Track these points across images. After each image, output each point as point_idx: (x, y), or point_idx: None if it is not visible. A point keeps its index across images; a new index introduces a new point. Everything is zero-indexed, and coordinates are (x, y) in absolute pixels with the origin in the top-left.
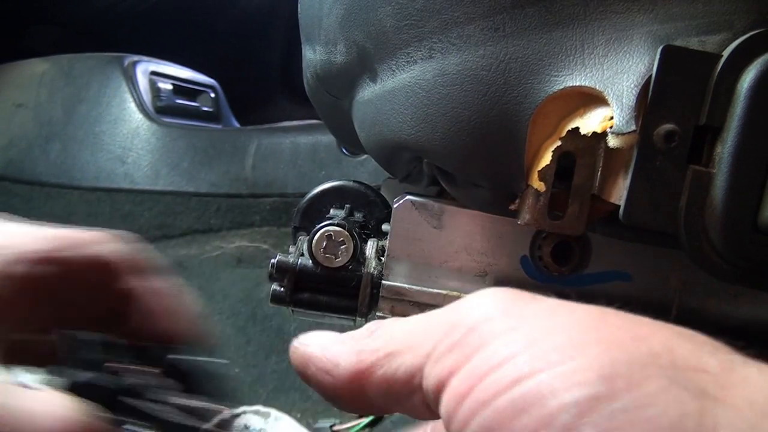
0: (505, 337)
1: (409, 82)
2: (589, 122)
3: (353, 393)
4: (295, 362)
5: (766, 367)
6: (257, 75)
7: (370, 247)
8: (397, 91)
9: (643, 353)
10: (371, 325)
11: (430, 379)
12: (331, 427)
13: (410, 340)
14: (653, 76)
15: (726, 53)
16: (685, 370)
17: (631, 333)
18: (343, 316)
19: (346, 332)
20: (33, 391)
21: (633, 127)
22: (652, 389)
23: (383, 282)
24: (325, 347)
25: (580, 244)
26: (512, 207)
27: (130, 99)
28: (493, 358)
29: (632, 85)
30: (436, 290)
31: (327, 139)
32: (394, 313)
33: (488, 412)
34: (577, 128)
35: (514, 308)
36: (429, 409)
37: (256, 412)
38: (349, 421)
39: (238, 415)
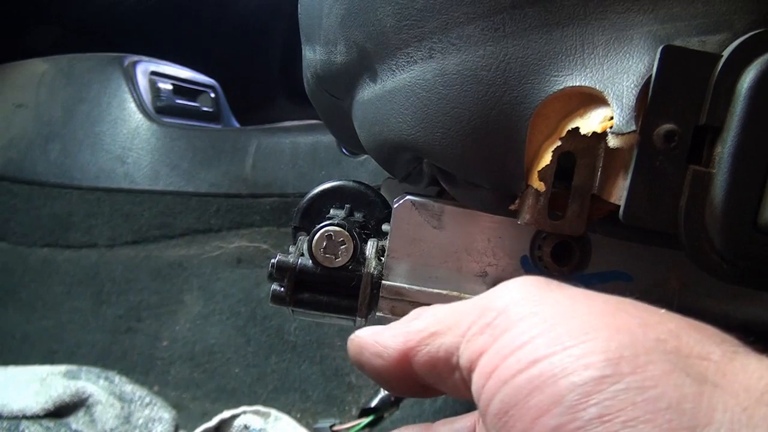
0: (529, 321)
1: (409, 82)
2: (589, 122)
3: (403, 372)
4: (351, 352)
5: (767, 357)
6: (257, 75)
7: (370, 247)
8: (397, 91)
9: (649, 339)
10: (418, 310)
11: (464, 357)
12: (331, 427)
13: (450, 321)
14: (653, 76)
15: (726, 53)
16: (689, 357)
17: (641, 320)
18: (343, 316)
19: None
20: None
21: (633, 127)
22: (655, 373)
23: (383, 282)
24: (377, 334)
25: (580, 244)
26: (512, 207)
27: (130, 99)
28: (516, 340)
29: (632, 85)
30: (436, 290)
31: (327, 139)
32: (394, 313)
33: (508, 389)
34: (577, 128)
35: (539, 294)
36: (467, 387)
37: (256, 412)
38: (349, 421)
39: (238, 415)
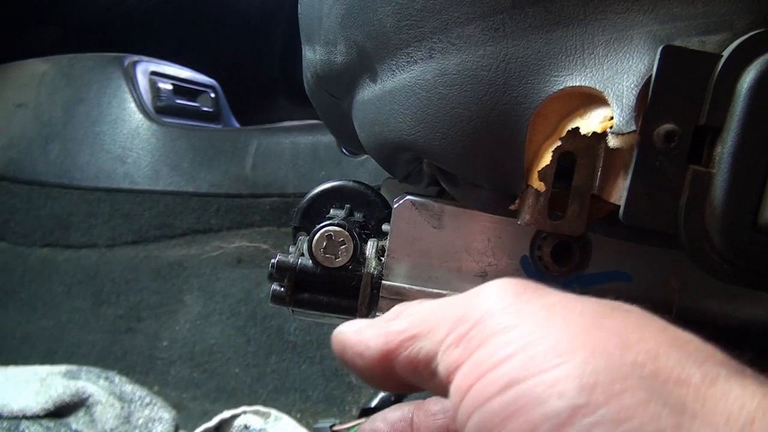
0: (504, 336)
1: (409, 82)
2: (589, 122)
3: (384, 372)
4: (334, 349)
5: (751, 380)
6: (257, 75)
7: (370, 247)
8: (397, 91)
9: (626, 362)
10: (398, 307)
11: (440, 368)
12: (331, 427)
13: (429, 324)
14: (653, 76)
15: (726, 53)
16: (667, 382)
17: (620, 339)
18: (343, 316)
19: (375, 320)
20: None
21: (633, 127)
22: (631, 402)
23: (383, 282)
24: (359, 332)
25: (580, 244)
26: (512, 207)
27: (130, 99)
28: (491, 358)
29: (632, 85)
30: (436, 290)
31: (327, 139)
32: None
33: (483, 413)
34: (577, 128)
35: (515, 304)
36: (447, 393)
37: (256, 412)
38: (349, 421)
39: (237, 415)
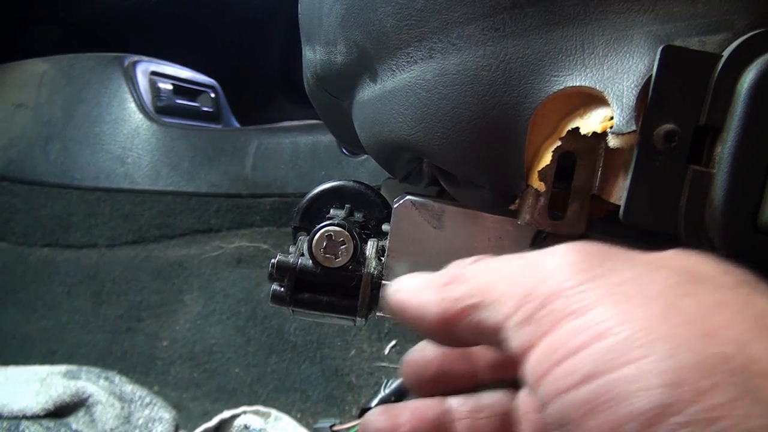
0: (577, 321)
1: (409, 82)
2: (589, 122)
3: (447, 335)
4: (392, 309)
5: None
6: (257, 75)
7: (370, 247)
8: (397, 91)
9: (712, 354)
10: (453, 270)
11: (511, 344)
12: (331, 427)
13: (491, 294)
14: (653, 76)
15: (726, 53)
16: (757, 377)
17: (702, 326)
18: (343, 316)
19: (430, 276)
20: None
21: (633, 127)
22: (720, 400)
23: (383, 282)
24: (415, 293)
25: None
26: (512, 207)
27: (130, 99)
28: (565, 345)
29: (632, 85)
30: None
31: (327, 139)
32: None
33: (563, 403)
34: (577, 128)
35: (587, 282)
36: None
37: (256, 412)
38: (349, 421)
39: (238, 415)
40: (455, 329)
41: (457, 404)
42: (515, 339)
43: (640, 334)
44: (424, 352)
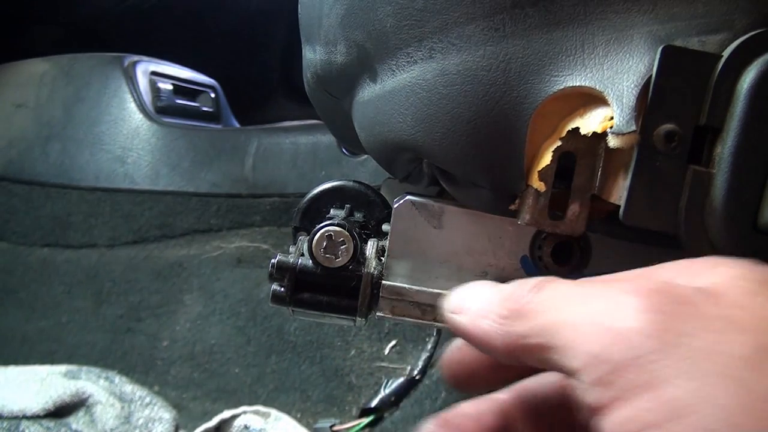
0: (656, 393)
1: (409, 82)
2: (589, 122)
3: (513, 361)
4: (454, 331)
5: None
6: (257, 75)
7: (370, 247)
8: (397, 91)
9: None
10: (515, 296)
11: (584, 397)
12: (331, 427)
13: (559, 339)
14: (653, 76)
15: (726, 53)
16: None
17: None
18: (343, 316)
19: (489, 298)
20: None
21: (633, 127)
22: None
23: (383, 282)
24: (476, 322)
25: (580, 244)
26: (512, 207)
27: (130, 99)
28: (640, 419)
29: (632, 85)
30: (436, 290)
31: (327, 139)
32: (395, 314)
33: None
34: (577, 128)
35: (666, 348)
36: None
37: (256, 412)
38: (349, 421)
39: (238, 415)
40: (521, 359)
41: (511, 401)
42: (587, 395)
43: (729, 416)
44: (464, 351)
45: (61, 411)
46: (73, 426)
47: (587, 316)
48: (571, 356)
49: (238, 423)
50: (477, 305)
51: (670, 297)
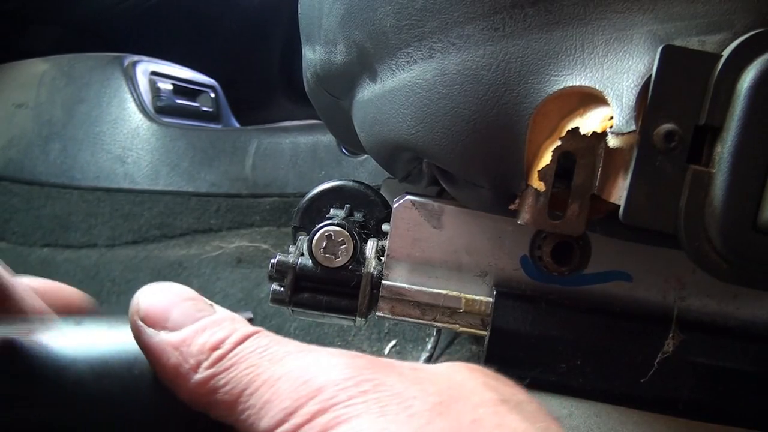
0: (341, 429)
1: (409, 82)
2: (589, 122)
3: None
4: (135, 336)
5: None
6: (257, 75)
7: (370, 247)
8: (397, 91)
9: None
10: (214, 341)
11: None
12: None
13: (257, 398)
14: (653, 75)
15: (726, 53)
16: None
17: None
18: (343, 316)
19: (194, 328)
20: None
21: (633, 127)
22: None
23: (383, 282)
24: (168, 350)
25: (580, 244)
26: (512, 207)
27: (130, 99)
28: None
29: (632, 85)
30: (436, 290)
31: (327, 139)
32: (394, 314)
33: None
34: (577, 128)
35: (356, 392)
36: None
37: None
38: None
39: None
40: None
41: None
42: None
43: None
44: None
45: None
46: None
47: (291, 377)
48: (270, 411)
49: None
50: (179, 334)
51: (368, 359)
